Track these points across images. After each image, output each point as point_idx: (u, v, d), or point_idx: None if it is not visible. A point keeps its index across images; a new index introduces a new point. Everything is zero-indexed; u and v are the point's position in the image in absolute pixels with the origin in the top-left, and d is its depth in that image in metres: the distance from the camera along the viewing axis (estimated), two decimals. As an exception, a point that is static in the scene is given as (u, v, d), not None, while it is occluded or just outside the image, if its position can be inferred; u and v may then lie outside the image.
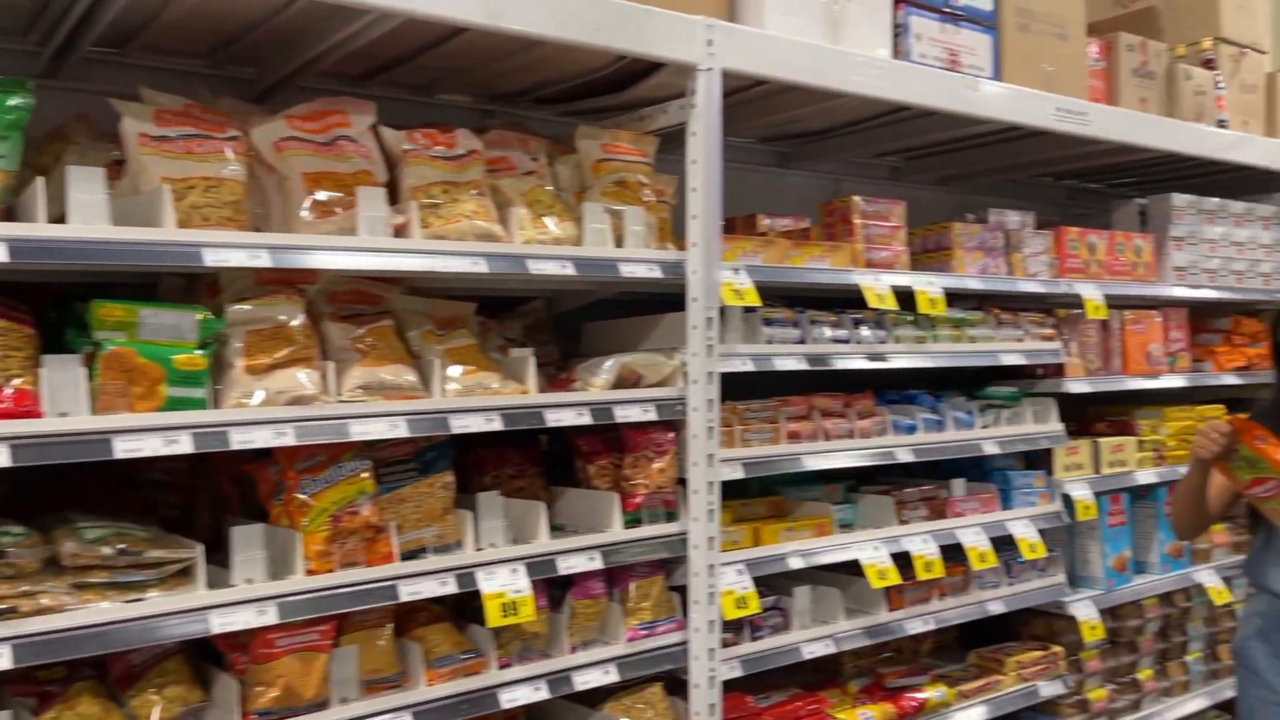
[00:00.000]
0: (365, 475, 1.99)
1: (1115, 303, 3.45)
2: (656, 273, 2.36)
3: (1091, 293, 3.25)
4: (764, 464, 2.55)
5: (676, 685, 2.44)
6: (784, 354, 2.60)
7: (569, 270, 2.21)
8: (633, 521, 2.34)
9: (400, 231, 2.04)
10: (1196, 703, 3.66)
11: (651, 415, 2.34)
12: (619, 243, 2.34)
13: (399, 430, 1.98)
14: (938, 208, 3.82)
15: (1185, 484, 2.65)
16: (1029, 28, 3.04)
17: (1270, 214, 3.92)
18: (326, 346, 2.05)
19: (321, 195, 1.96)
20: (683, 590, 2.43)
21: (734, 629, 2.52)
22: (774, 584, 2.70)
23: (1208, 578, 3.63)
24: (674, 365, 2.40)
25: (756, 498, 2.86)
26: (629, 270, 2.31)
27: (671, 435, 2.40)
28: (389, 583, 1.98)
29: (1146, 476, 3.47)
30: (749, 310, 2.60)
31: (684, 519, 2.41)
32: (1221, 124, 3.59)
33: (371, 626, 2.02)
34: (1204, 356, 3.82)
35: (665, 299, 2.46)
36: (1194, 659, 3.68)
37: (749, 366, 2.52)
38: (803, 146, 3.54)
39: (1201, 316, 3.98)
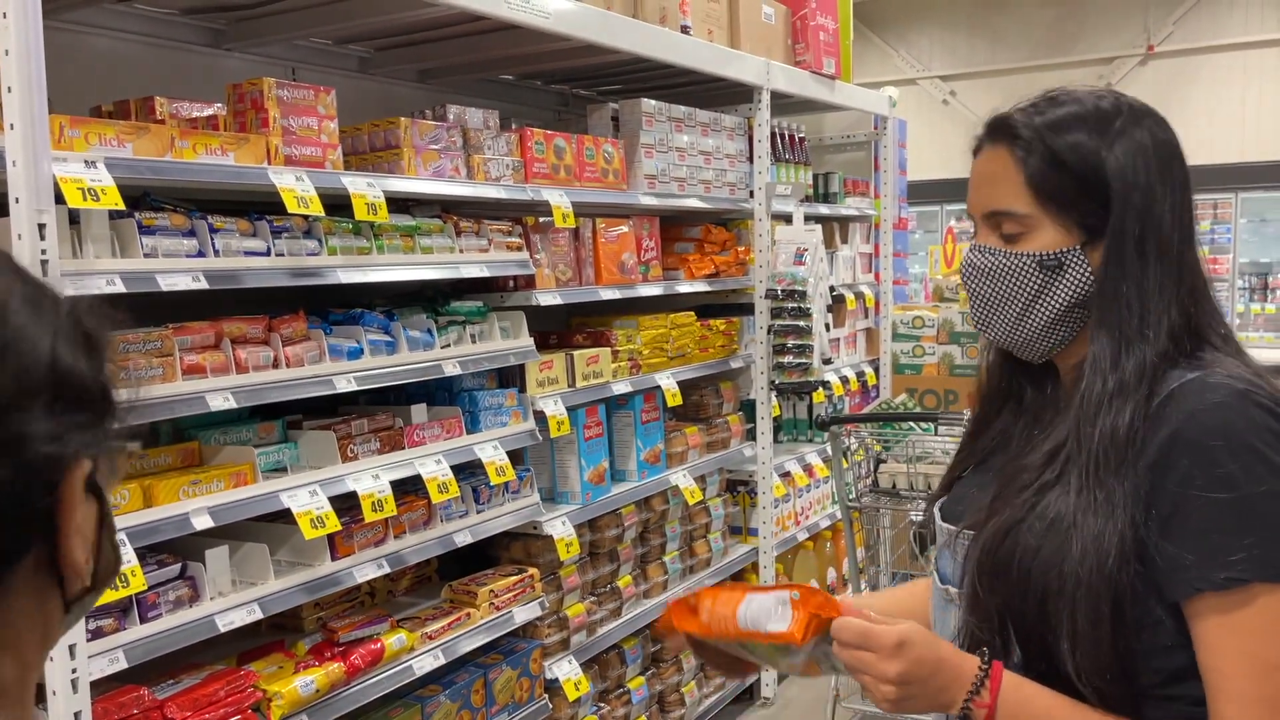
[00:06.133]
0: None
1: (586, 211, 3.35)
2: (-47, 163, 1.75)
3: (559, 199, 3.10)
4: (146, 408, 2.06)
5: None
6: (173, 270, 2.11)
7: None
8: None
9: None
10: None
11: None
12: (-109, 121, 1.70)
13: None
14: (417, 107, 3.47)
15: None
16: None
17: (734, 124, 4.05)
18: None
19: None
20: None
21: (120, 611, 2.05)
22: (183, 549, 2.25)
23: (682, 479, 3.74)
24: None
25: (166, 445, 2.37)
26: (-97, 159, 1.68)
27: None
28: None
29: (622, 386, 3.45)
30: (120, 216, 2.06)
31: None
32: (685, 30, 3.58)
33: None
34: (677, 265, 3.90)
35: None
36: (671, 558, 3.81)
37: (118, 287, 2.00)
38: (241, 24, 2.99)
39: (674, 225, 4.05)
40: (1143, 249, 1.20)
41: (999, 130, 1.26)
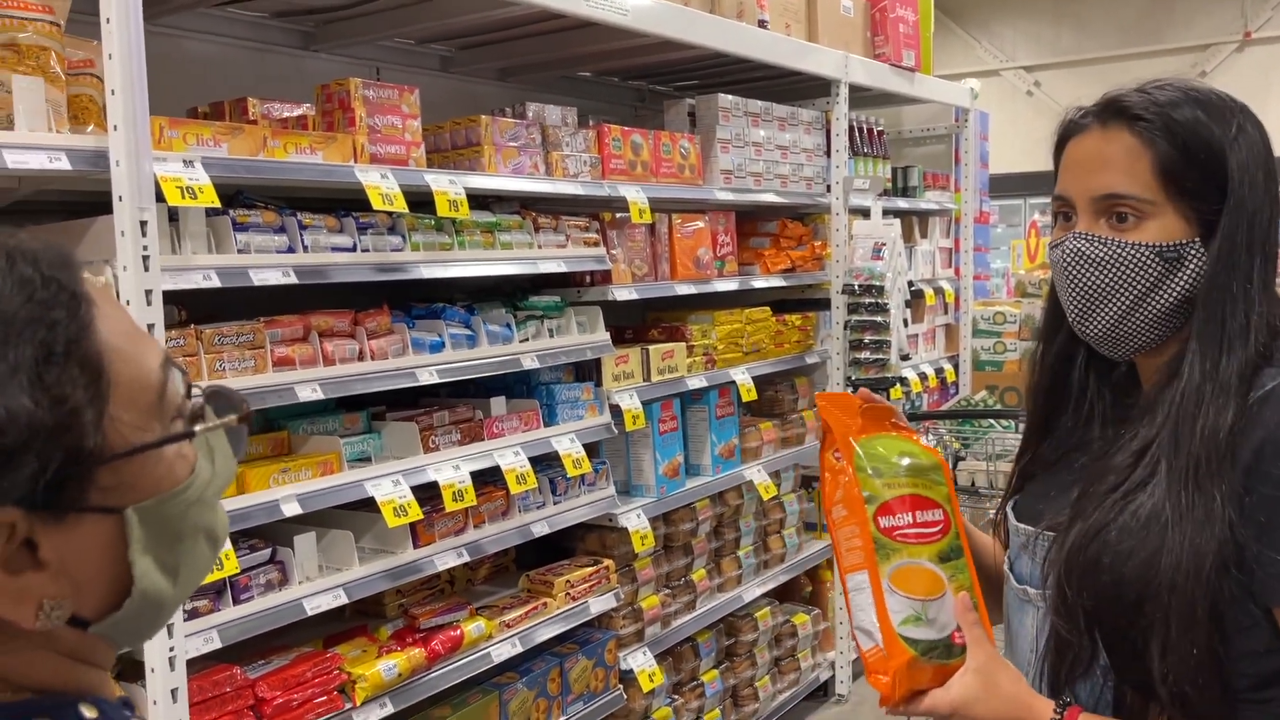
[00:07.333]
0: None
1: (662, 206, 3.37)
2: (64, 163, 1.84)
3: (636, 195, 3.12)
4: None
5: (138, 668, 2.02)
6: (265, 265, 2.19)
7: (-88, 158, 1.64)
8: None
9: None
10: (750, 594, 3.80)
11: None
12: (8, 124, 1.79)
13: None
14: (496, 105, 3.53)
15: None
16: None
17: (812, 119, 4.03)
18: None
19: None
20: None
21: (215, 593, 2.14)
22: (273, 534, 2.33)
23: (756, 474, 3.74)
24: (99, 285, 1.90)
25: (257, 434, 2.45)
26: (19, 160, 1.77)
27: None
28: None
29: (697, 381, 3.46)
30: (216, 213, 2.15)
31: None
32: (762, 24, 3.57)
33: None
34: (752, 260, 3.89)
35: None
36: (745, 553, 3.81)
37: (214, 282, 2.08)
38: (328, 26, 3.08)
39: (750, 220, 4.05)
40: (1251, 246, 1.18)
41: (1116, 111, 1.20)
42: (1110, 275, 1.20)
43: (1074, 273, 1.23)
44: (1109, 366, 1.33)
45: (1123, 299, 1.20)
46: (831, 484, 1.26)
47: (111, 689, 0.77)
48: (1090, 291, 1.22)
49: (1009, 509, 1.40)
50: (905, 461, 1.24)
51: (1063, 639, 1.21)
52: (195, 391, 0.78)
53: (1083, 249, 1.21)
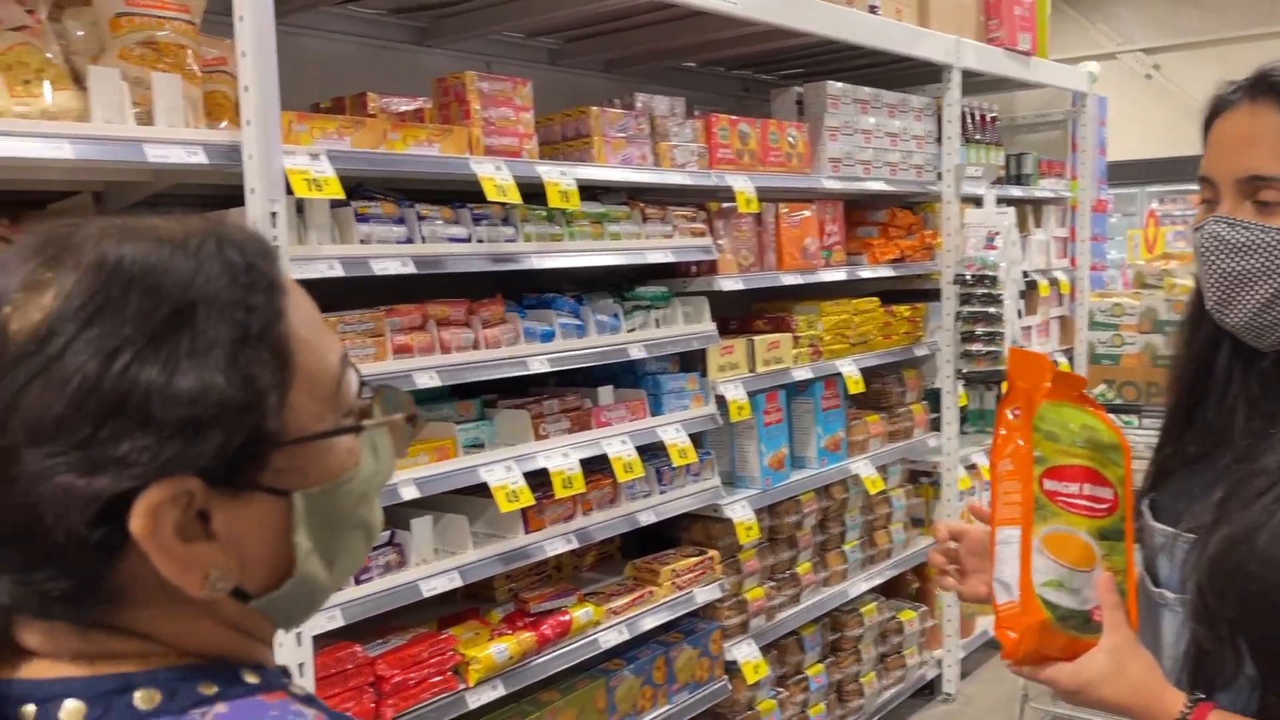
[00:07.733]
0: None
1: (769, 195, 3.34)
2: (200, 157, 1.91)
3: (743, 185, 3.10)
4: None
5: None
6: (385, 255, 2.24)
7: (64, 153, 1.73)
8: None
9: None
10: (856, 589, 3.75)
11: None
12: (148, 120, 1.88)
13: None
14: (603, 96, 3.55)
15: None
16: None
17: (923, 105, 3.94)
18: None
19: None
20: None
21: (337, 573, 2.21)
22: (391, 517, 2.39)
23: (863, 468, 3.69)
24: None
25: (376, 420, 2.52)
26: (160, 154, 1.85)
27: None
28: None
29: (803, 373, 3.43)
30: (339, 204, 2.21)
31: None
32: (873, 9, 3.51)
33: None
34: (860, 249, 3.83)
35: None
36: (851, 547, 3.76)
37: (338, 271, 2.14)
38: (441, 21, 3.14)
39: (858, 208, 3.98)
40: None
41: (1267, 86, 1.15)
42: (1252, 262, 1.15)
43: (1213, 258, 1.18)
44: (1255, 356, 1.26)
45: (1266, 287, 1.15)
46: (1005, 440, 1.21)
47: (272, 659, 0.80)
48: (1230, 278, 1.17)
49: (1144, 506, 1.35)
50: (1086, 434, 1.19)
51: (1203, 648, 1.16)
52: (366, 391, 0.80)
53: (1223, 233, 1.16)
